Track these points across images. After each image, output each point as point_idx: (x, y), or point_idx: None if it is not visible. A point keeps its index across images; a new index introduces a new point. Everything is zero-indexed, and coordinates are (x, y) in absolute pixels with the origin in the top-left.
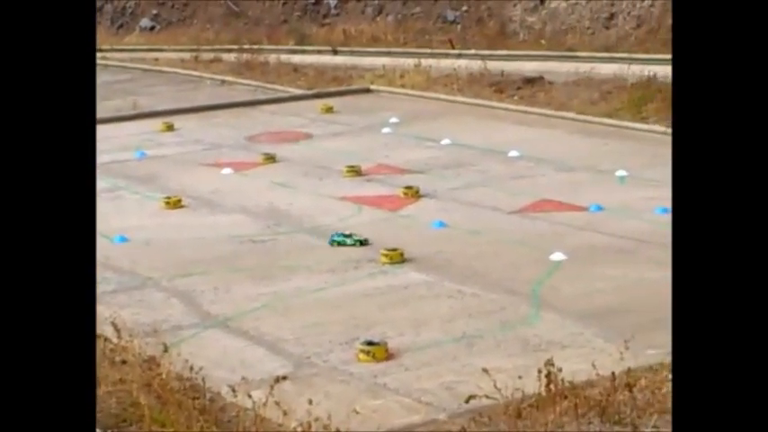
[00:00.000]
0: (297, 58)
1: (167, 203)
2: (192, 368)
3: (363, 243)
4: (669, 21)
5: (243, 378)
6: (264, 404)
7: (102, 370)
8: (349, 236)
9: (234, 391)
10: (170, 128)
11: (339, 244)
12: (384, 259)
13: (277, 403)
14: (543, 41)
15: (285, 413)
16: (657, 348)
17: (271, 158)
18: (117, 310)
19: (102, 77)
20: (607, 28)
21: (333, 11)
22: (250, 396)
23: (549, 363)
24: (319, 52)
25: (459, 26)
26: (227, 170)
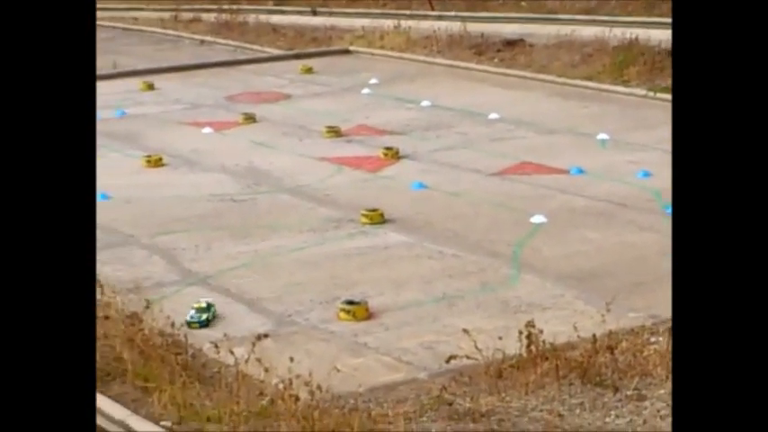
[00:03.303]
0: (276, 19)
1: (148, 162)
2: (173, 324)
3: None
4: None
5: (225, 335)
6: (246, 361)
7: None
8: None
9: (216, 347)
10: (150, 87)
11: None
12: (364, 220)
13: (258, 360)
14: (524, 3)
15: (267, 370)
16: (638, 311)
17: (250, 118)
18: (99, 266)
19: None
20: None
21: None
22: (232, 353)
23: (530, 324)
24: (299, 13)
25: None
26: (207, 129)
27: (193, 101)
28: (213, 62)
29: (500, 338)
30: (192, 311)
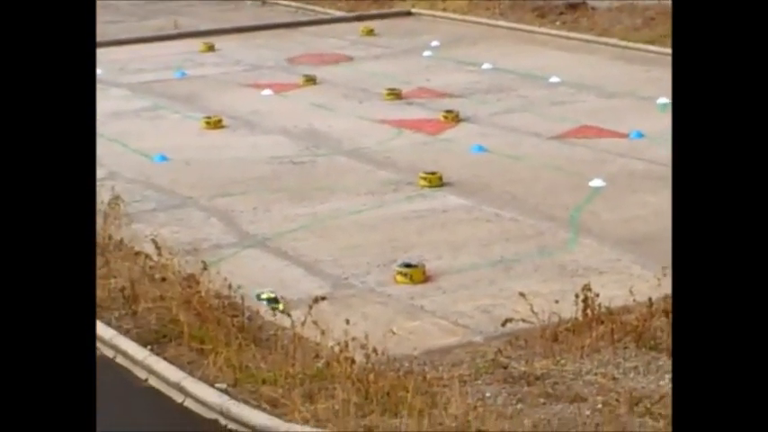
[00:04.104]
0: None
1: (207, 123)
2: (230, 286)
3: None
4: None
5: (281, 297)
6: (303, 323)
7: (143, 287)
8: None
9: (273, 310)
10: (210, 48)
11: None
12: (423, 183)
13: (315, 323)
14: None
15: (323, 333)
16: None
17: (311, 80)
18: (157, 228)
19: None
20: None
21: None
22: (288, 315)
23: (587, 288)
24: None
25: None
26: (267, 91)
27: (254, 62)
28: (274, 23)
29: (556, 302)
30: (263, 303)
